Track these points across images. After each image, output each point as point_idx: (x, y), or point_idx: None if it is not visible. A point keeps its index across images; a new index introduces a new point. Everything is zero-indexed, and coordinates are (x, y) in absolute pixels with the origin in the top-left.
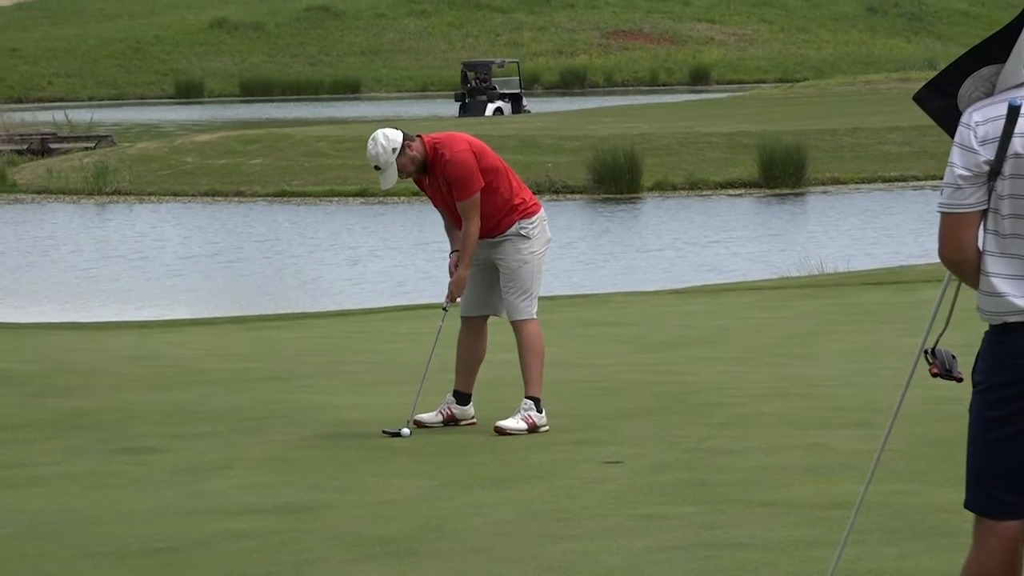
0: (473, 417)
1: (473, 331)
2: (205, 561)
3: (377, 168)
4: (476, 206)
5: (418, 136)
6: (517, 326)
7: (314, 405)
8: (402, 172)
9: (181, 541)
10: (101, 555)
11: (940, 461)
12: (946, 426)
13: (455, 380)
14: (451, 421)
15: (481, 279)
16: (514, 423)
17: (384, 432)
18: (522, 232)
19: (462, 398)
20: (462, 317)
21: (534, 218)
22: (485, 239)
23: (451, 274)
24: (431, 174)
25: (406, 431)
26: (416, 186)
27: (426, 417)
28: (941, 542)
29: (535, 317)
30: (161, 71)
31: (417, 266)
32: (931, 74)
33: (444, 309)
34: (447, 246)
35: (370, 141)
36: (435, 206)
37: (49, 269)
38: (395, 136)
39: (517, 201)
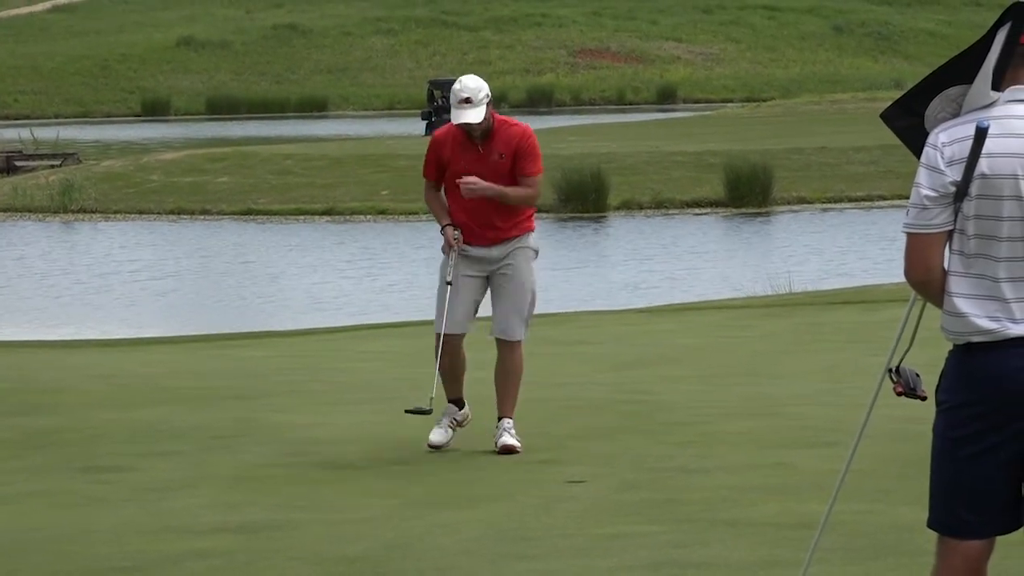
0: (469, 414)
1: (457, 350)
2: None
3: (468, 101)
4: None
5: None
6: (511, 347)
7: (280, 424)
8: (485, 120)
9: (146, 560)
10: (66, 574)
11: (904, 480)
12: (910, 445)
13: (446, 393)
14: (459, 425)
15: (473, 295)
16: (515, 440)
17: (407, 411)
18: (531, 244)
19: (457, 403)
20: (446, 335)
21: (535, 234)
22: (501, 242)
23: (447, 247)
24: (486, 142)
25: (428, 408)
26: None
27: (439, 439)
28: (905, 561)
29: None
30: (127, 89)
31: (383, 284)
32: (898, 94)
33: (448, 283)
34: (415, 265)
35: (469, 78)
36: (453, 172)
37: (12, 287)
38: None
39: (531, 211)
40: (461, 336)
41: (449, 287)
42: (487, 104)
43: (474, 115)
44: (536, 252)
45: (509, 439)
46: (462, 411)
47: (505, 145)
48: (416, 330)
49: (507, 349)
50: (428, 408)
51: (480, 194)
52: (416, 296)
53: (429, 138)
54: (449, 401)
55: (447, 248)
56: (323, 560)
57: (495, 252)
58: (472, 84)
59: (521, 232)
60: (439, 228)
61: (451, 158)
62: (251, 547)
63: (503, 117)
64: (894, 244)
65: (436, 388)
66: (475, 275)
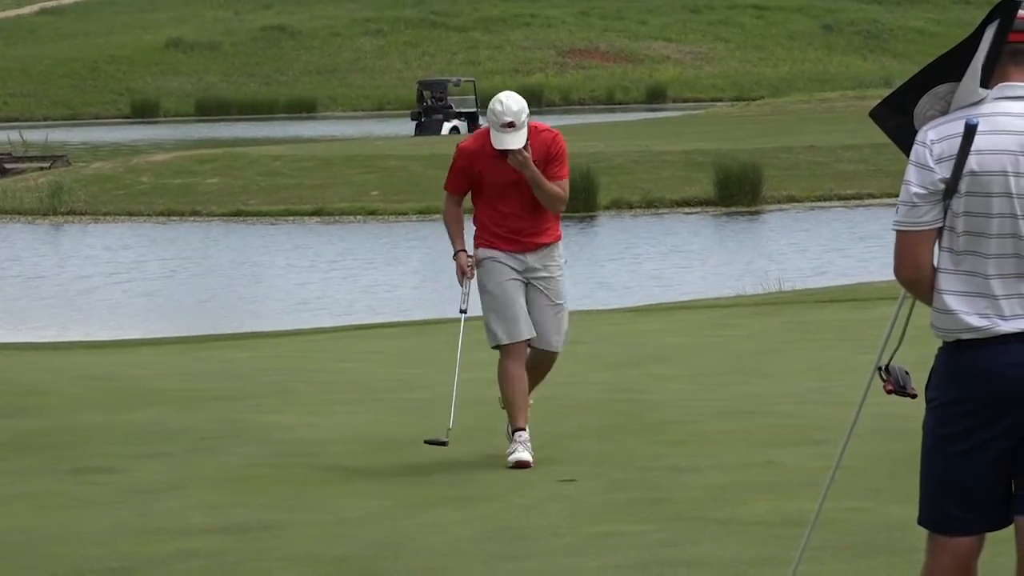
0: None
1: (521, 357)
2: None
3: (511, 125)
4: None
5: None
6: (549, 358)
7: (268, 425)
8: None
9: (135, 561)
10: (54, 575)
11: (894, 478)
12: (900, 443)
13: (513, 422)
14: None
15: (522, 296)
16: (528, 455)
17: (426, 441)
18: (561, 249)
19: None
20: (510, 345)
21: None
22: (535, 248)
23: (461, 276)
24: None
25: (445, 440)
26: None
27: (526, 457)
28: (895, 559)
29: None
30: (117, 91)
31: (372, 285)
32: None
33: (463, 311)
34: (399, 267)
35: (509, 98)
36: (489, 184)
37: (3, 289)
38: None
39: (557, 218)
40: (521, 343)
41: (498, 296)
42: (527, 124)
43: (517, 140)
44: (562, 256)
45: (524, 455)
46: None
47: (537, 152)
48: (402, 331)
49: (547, 360)
50: (445, 440)
51: (524, 169)
52: (402, 297)
53: (418, 139)
54: (515, 431)
55: (460, 276)
56: (313, 560)
57: (530, 259)
58: (515, 107)
59: (552, 239)
60: (452, 253)
61: (485, 171)
62: (240, 548)
63: (532, 123)
64: (882, 242)
65: (453, 418)
66: (516, 278)
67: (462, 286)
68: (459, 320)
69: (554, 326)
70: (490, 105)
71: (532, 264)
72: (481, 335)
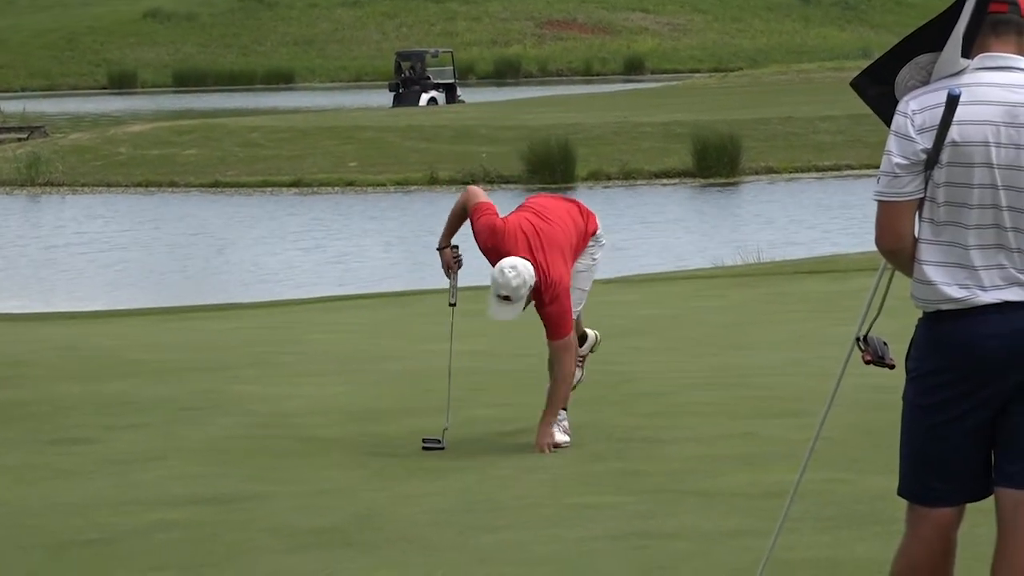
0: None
1: None
2: (139, 552)
3: (507, 299)
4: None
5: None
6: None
7: (247, 396)
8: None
9: (115, 532)
10: (33, 547)
11: (873, 449)
12: (880, 414)
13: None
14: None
15: None
16: (563, 435)
17: (424, 444)
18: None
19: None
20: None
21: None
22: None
23: (446, 270)
24: None
25: (442, 442)
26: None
27: (563, 439)
28: (875, 529)
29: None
30: (94, 62)
31: (358, 256)
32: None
33: (452, 304)
34: (379, 236)
35: (512, 271)
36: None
37: None
38: (533, 270)
39: (576, 241)
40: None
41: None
42: (527, 297)
43: (510, 313)
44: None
45: (557, 436)
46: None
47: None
48: (378, 302)
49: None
50: (442, 443)
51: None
52: (377, 268)
53: (396, 110)
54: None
55: (445, 269)
56: (292, 531)
57: None
58: (514, 283)
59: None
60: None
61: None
62: (220, 519)
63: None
64: (860, 213)
65: (449, 417)
66: None
67: (449, 278)
68: (449, 311)
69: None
70: (494, 271)
71: None
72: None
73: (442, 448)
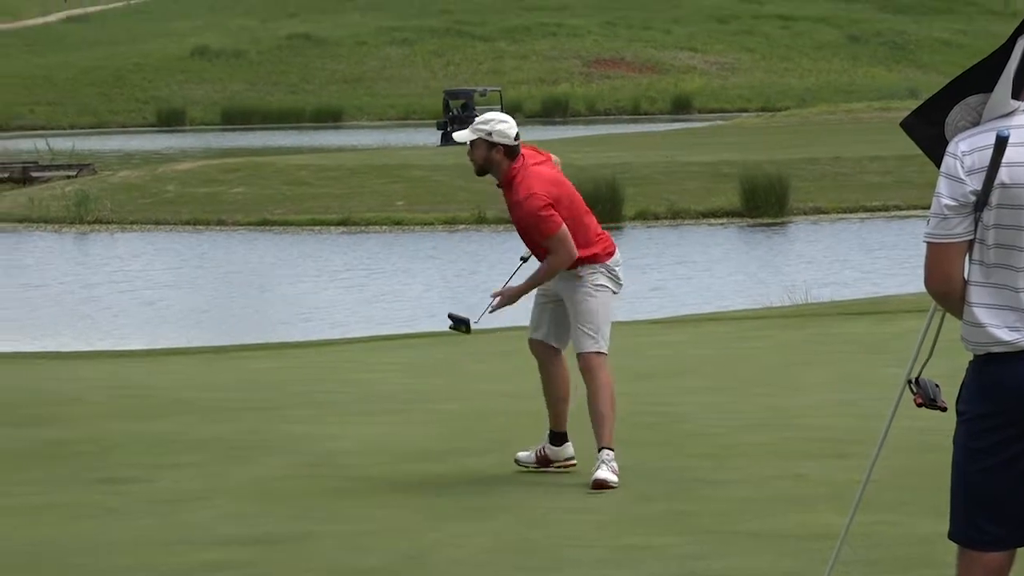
0: (571, 458)
1: (540, 356)
2: None
3: (480, 127)
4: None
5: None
6: (580, 359)
7: (295, 435)
8: (474, 161)
9: (163, 572)
10: None
11: (924, 492)
12: (930, 456)
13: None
14: (544, 463)
15: (553, 309)
16: (610, 475)
17: (451, 324)
18: (581, 273)
19: (555, 437)
20: (528, 340)
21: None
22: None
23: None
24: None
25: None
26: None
27: (522, 456)
28: (924, 573)
29: (602, 353)
30: (142, 99)
31: (398, 295)
32: (913, 103)
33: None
34: (423, 277)
35: (503, 117)
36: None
37: (28, 298)
38: (505, 128)
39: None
40: (537, 342)
41: None
42: (484, 142)
43: (466, 136)
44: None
45: (600, 473)
46: (554, 449)
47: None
48: (428, 341)
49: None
50: (468, 325)
51: (522, 291)
52: (426, 307)
53: (444, 149)
54: (549, 432)
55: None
56: (338, 572)
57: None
58: (492, 116)
59: (574, 266)
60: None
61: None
62: (267, 559)
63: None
64: (907, 254)
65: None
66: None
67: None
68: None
69: (575, 329)
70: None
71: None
72: (502, 348)
73: (467, 332)
